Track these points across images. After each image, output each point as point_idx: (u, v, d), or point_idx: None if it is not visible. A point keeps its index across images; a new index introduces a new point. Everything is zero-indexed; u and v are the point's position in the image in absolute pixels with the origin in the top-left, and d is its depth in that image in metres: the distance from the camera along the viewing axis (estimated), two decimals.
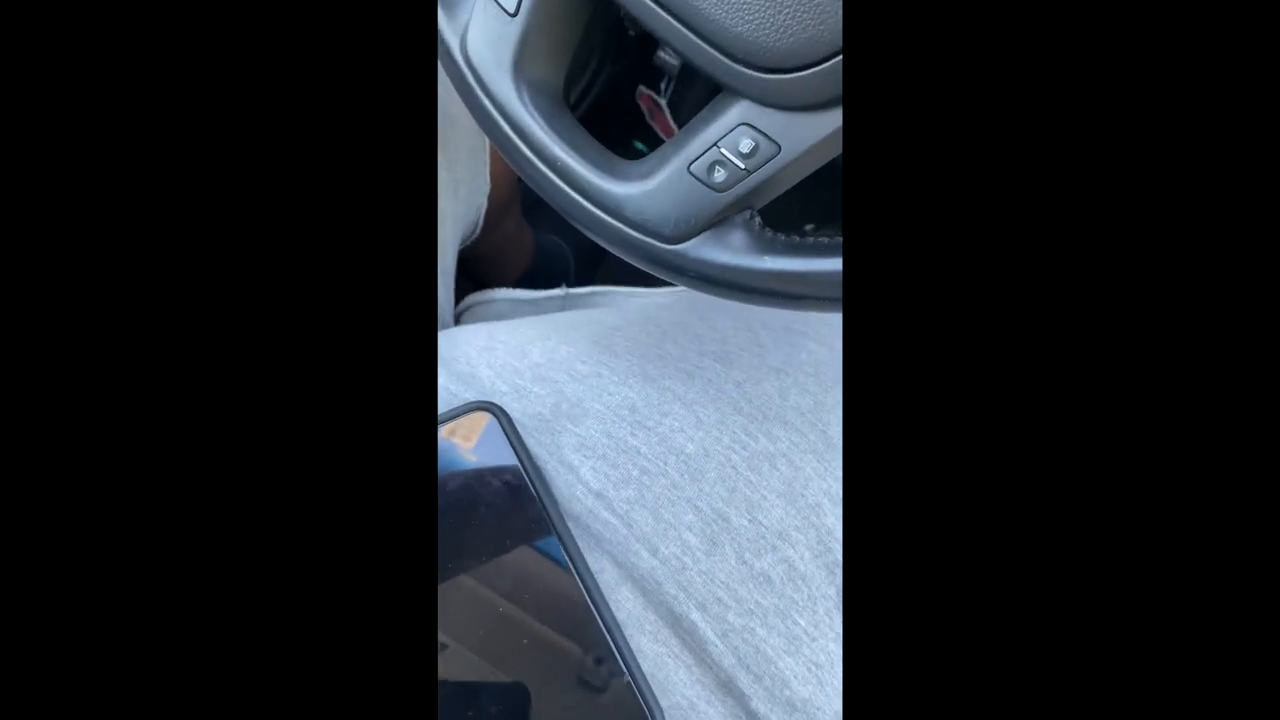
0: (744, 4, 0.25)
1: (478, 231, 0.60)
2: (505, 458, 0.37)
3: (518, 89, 0.31)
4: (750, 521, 0.36)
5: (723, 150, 0.28)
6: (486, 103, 0.32)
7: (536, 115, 0.31)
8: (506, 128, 0.32)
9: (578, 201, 0.31)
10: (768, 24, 0.25)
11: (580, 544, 0.35)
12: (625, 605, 0.34)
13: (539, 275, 0.83)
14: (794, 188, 0.30)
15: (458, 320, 0.58)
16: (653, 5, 0.27)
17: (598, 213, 0.31)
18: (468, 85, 0.32)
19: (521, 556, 0.35)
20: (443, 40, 0.32)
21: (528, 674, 0.34)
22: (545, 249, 0.85)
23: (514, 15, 0.29)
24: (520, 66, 0.30)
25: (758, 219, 0.30)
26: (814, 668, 0.34)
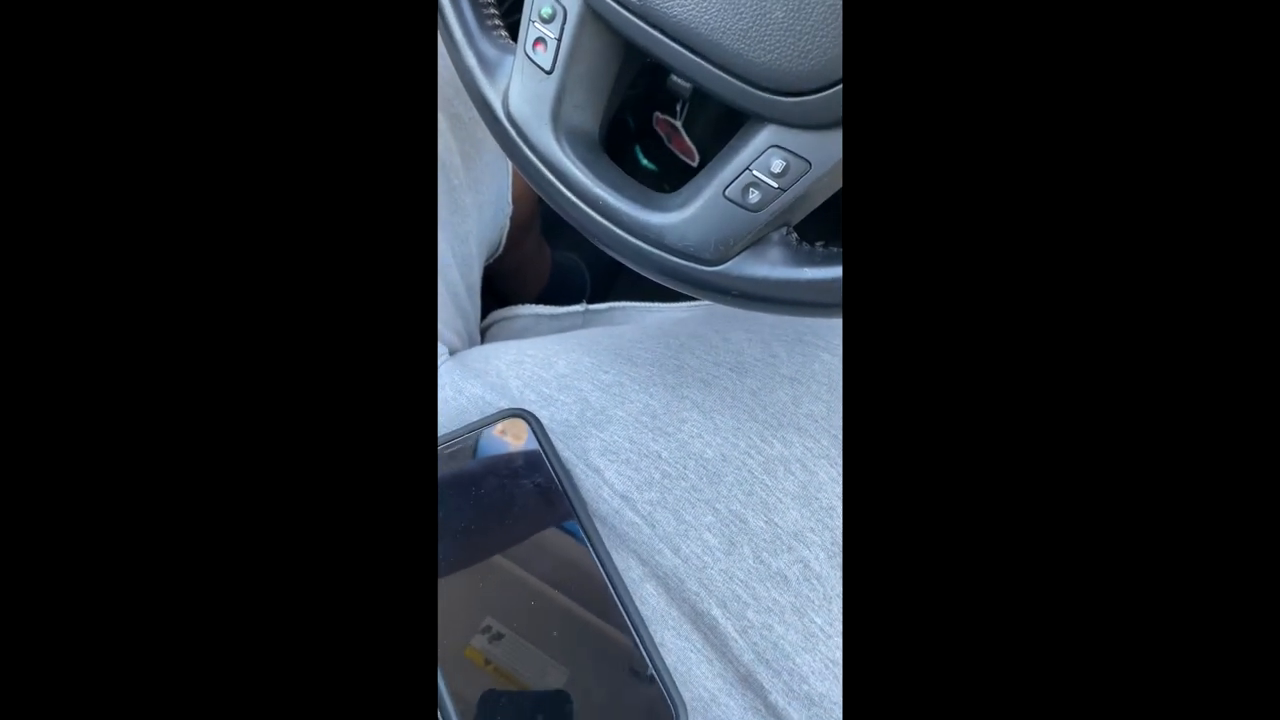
0: (765, 35, 0.27)
1: (501, 249, 0.62)
2: (539, 460, 0.39)
3: (558, 139, 0.33)
4: (767, 523, 0.37)
5: (755, 173, 0.29)
6: (530, 154, 0.34)
7: (577, 161, 0.33)
8: (550, 175, 0.34)
9: (622, 237, 0.33)
10: (789, 50, 0.26)
11: (607, 542, 0.37)
12: (650, 601, 0.36)
13: (558, 291, 0.86)
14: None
15: (484, 334, 0.60)
16: (679, 49, 0.28)
17: (642, 244, 0.33)
18: (511, 140, 0.34)
19: (555, 548, 0.37)
20: (486, 101, 0.34)
21: (571, 660, 0.35)
22: (563, 266, 0.87)
23: (550, 73, 0.31)
24: (559, 118, 0.32)
25: (794, 234, 0.32)
26: (831, 664, 0.35)
